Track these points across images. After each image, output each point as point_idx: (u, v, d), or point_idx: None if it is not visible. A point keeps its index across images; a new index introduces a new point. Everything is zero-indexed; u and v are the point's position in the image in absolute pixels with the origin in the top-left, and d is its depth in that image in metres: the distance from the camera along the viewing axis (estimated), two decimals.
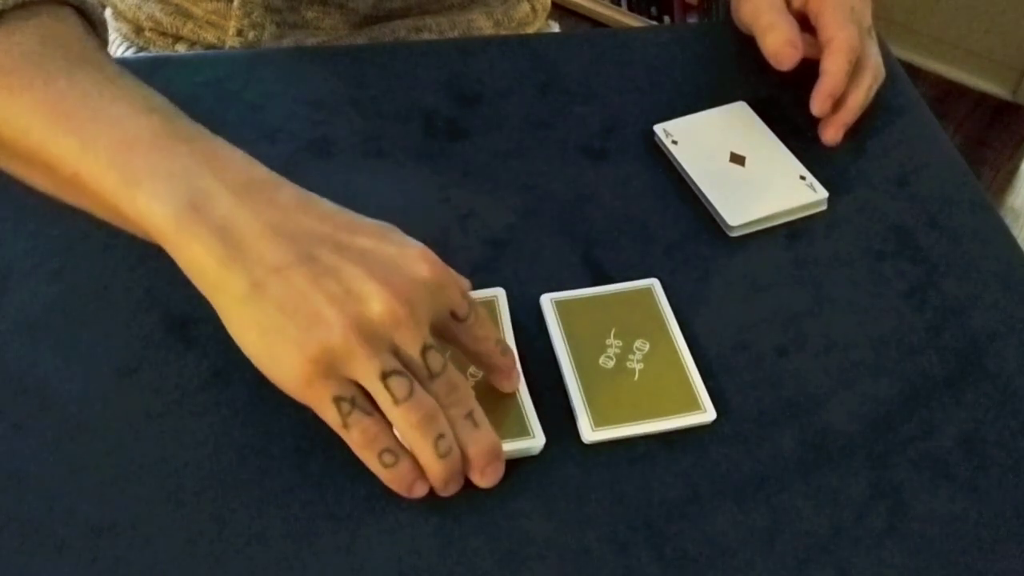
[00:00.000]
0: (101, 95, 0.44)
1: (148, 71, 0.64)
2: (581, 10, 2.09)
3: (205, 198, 0.42)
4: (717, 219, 0.58)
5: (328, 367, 0.41)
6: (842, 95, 0.62)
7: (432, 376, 0.43)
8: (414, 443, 0.43)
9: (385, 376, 0.42)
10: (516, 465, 0.47)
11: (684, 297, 0.54)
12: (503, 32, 0.80)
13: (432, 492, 0.45)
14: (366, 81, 0.65)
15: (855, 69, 0.62)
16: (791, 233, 0.58)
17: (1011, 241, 0.59)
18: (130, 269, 0.53)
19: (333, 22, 0.74)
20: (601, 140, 0.63)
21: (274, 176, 0.45)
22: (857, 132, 0.63)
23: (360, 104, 0.63)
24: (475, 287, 0.53)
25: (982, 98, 1.95)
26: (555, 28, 0.90)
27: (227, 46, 0.74)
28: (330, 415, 0.43)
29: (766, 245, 0.57)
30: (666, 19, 2.00)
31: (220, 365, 0.50)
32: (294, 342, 0.41)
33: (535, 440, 0.47)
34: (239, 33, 0.73)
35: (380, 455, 0.43)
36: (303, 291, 0.41)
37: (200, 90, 0.63)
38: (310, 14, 0.74)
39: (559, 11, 2.04)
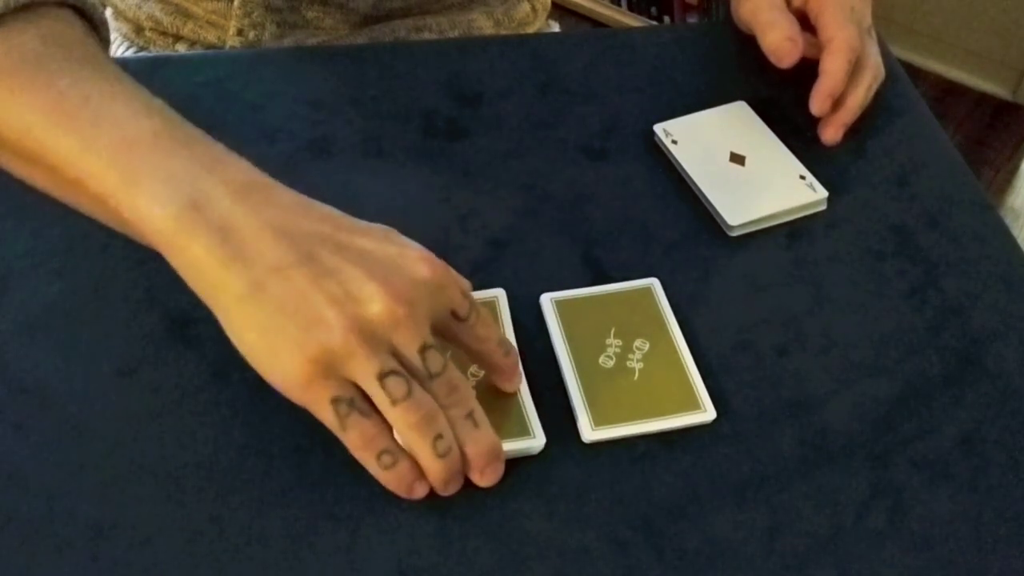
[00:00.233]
0: (102, 96, 0.45)
1: (148, 71, 0.64)
2: (581, 10, 2.09)
3: (205, 199, 0.42)
4: (717, 219, 0.58)
5: (327, 368, 0.41)
6: (842, 95, 0.62)
7: (432, 376, 0.43)
8: (412, 443, 0.43)
9: (383, 376, 0.41)
10: (516, 465, 0.47)
11: (684, 297, 0.54)
12: (503, 32, 0.80)
13: (432, 492, 0.45)
14: (366, 81, 0.65)
15: (855, 69, 0.62)
16: (791, 233, 0.58)
17: (1011, 241, 0.59)
18: (130, 269, 0.53)
19: (333, 22, 0.74)
20: (601, 140, 0.63)
21: (272, 180, 0.45)
22: (857, 132, 0.63)
23: (360, 104, 0.63)
24: (475, 287, 0.53)
25: (982, 98, 1.95)
26: (555, 28, 0.90)
27: (227, 46, 0.74)
28: (328, 416, 0.42)
29: (766, 245, 0.57)
30: (666, 19, 2.00)
31: (220, 365, 0.50)
32: (294, 342, 0.41)
33: (535, 440, 0.47)
34: (239, 33, 0.73)
35: (378, 456, 0.43)
36: (303, 291, 0.41)
37: (200, 90, 0.63)
38: (310, 14, 0.74)
39: (559, 11, 2.04)
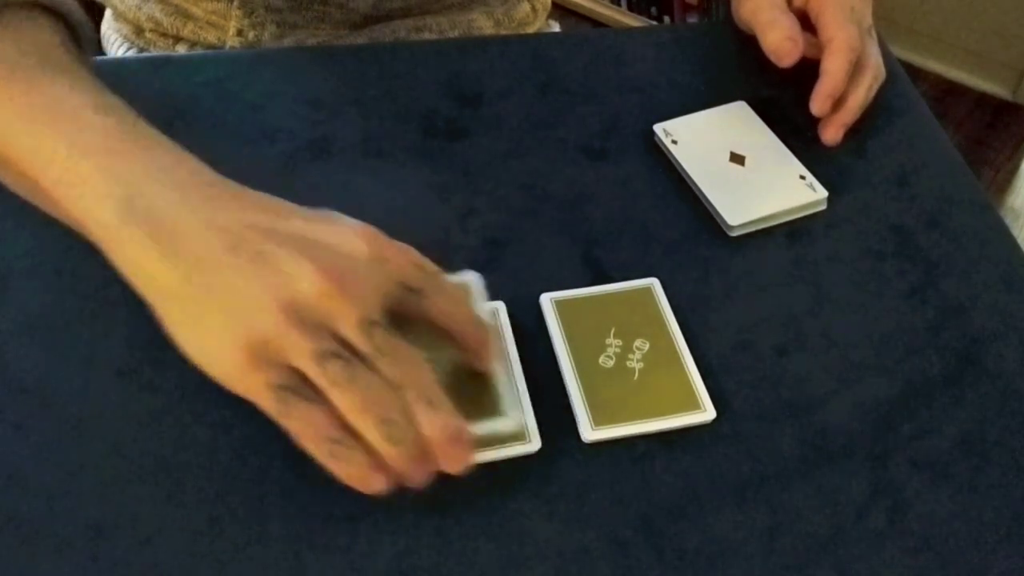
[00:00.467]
0: (65, 97, 0.45)
1: (148, 71, 0.64)
2: (581, 10, 2.09)
3: (144, 197, 0.42)
4: (717, 219, 0.58)
5: (262, 354, 0.40)
6: (842, 95, 0.62)
7: (380, 355, 0.40)
8: (360, 429, 0.40)
9: (321, 358, 0.39)
10: (516, 465, 0.47)
11: (684, 297, 0.54)
12: (503, 32, 0.80)
13: (431, 492, 0.45)
14: (366, 81, 0.65)
15: (855, 69, 0.62)
16: (791, 233, 0.58)
17: (1011, 241, 0.59)
18: None
19: (333, 22, 0.74)
20: (601, 140, 0.63)
21: (221, 179, 0.44)
22: (857, 132, 0.63)
23: (360, 104, 0.63)
24: None
25: (982, 98, 1.95)
26: (555, 28, 0.90)
27: (227, 46, 0.74)
28: (269, 405, 0.40)
29: (766, 245, 0.57)
30: (666, 19, 2.00)
31: None
32: (226, 331, 0.40)
33: (508, 420, 0.46)
34: (239, 33, 0.73)
35: (327, 446, 0.40)
36: (233, 280, 0.40)
37: (200, 90, 0.63)
38: (310, 14, 0.74)
39: (559, 11, 2.04)
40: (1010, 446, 0.49)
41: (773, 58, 0.62)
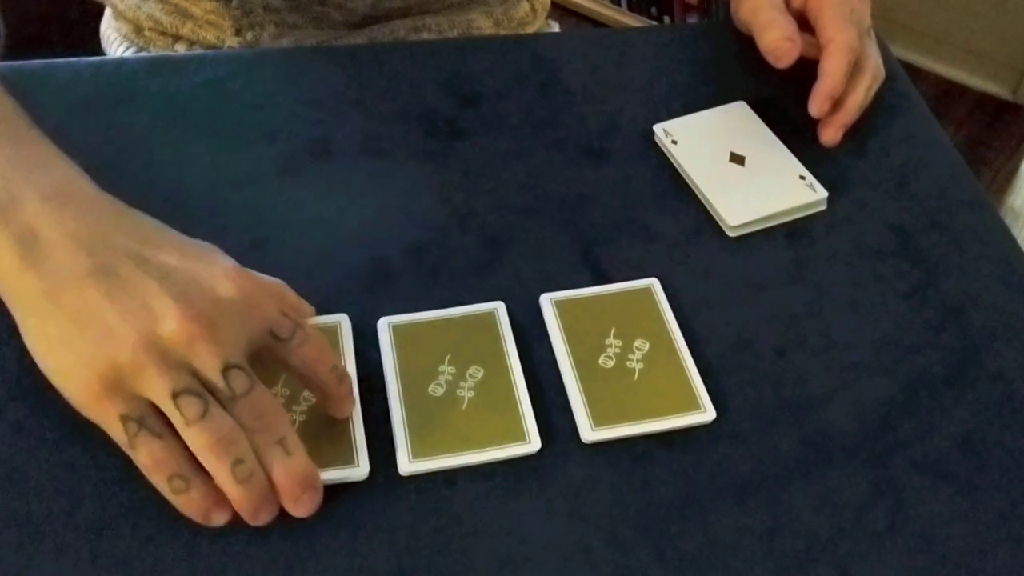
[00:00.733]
0: None
1: (148, 71, 0.64)
2: (581, 10, 2.09)
3: (15, 204, 0.42)
4: (717, 219, 0.58)
5: (116, 383, 0.40)
6: (841, 96, 0.62)
7: (235, 398, 0.41)
8: (210, 467, 0.41)
9: (176, 395, 0.40)
10: (516, 465, 0.47)
11: (684, 297, 0.54)
12: (503, 32, 0.80)
13: (431, 492, 0.45)
14: (366, 81, 0.65)
15: (854, 70, 0.62)
16: (791, 233, 0.58)
17: (1011, 241, 0.59)
18: None
19: (332, 22, 0.74)
20: (601, 140, 0.63)
21: (96, 190, 0.44)
22: (857, 132, 0.63)
23: (360, 104, 0.63)
24: (475, 287, 0.53)
25: (982, 98, 1.95)
26: (555, 28, 0.90)
27: (227, 46, 0.74)
28: (117, 434, 0.41)
29: (766, 245, 0.57)
30: (666, 19, 2.00)
31: None
32: (83, 356, 0.40)
33: (359, 469, 0.45)
34: (238, 33, 0.73)
35: (169, 480, 0.41)
36: (96, 304, 0.40)
37: (200, 90, 0.63)
38: (309, 14, 0.74)
39: (559, 11, 2.04)
40: (1010, 446, 0.49)
41: (770, 58, 0.62)
